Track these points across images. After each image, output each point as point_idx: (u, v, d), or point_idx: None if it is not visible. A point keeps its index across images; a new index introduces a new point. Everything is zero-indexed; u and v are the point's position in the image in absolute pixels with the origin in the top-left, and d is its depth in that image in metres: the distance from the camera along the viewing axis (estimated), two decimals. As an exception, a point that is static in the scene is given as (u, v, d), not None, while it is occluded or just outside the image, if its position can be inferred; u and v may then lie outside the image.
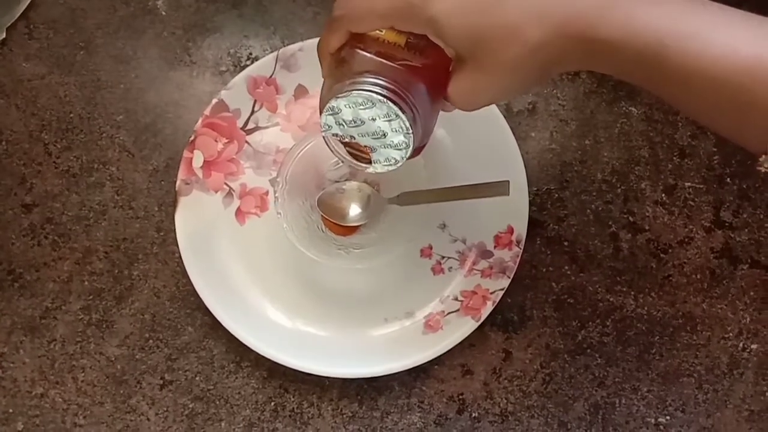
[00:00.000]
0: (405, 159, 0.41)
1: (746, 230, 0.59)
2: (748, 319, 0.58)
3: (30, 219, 0.60)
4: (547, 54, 0.36)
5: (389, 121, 0.39)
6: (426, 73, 0.40)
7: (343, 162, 0.44)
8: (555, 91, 0.60)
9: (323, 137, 0.42)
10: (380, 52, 0.40)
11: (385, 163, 0.42)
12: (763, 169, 0.35)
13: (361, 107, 0.39)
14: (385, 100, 0.38)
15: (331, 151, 0.43)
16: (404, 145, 0.40)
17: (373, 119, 0.39)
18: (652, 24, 0.34)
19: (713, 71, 0.34)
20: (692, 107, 0.37)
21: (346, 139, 0.41)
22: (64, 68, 0.61)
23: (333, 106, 0.39)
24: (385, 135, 0.40)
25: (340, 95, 0.39)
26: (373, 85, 0.39)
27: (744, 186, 0.59)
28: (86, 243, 0.59)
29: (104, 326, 0.59)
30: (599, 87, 0.60)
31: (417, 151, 0.43)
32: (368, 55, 0.40)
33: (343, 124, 0.40)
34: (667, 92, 0.37)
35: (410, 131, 0.39)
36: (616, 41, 0.35)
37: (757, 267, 0.59)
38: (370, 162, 0.42)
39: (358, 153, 0.43)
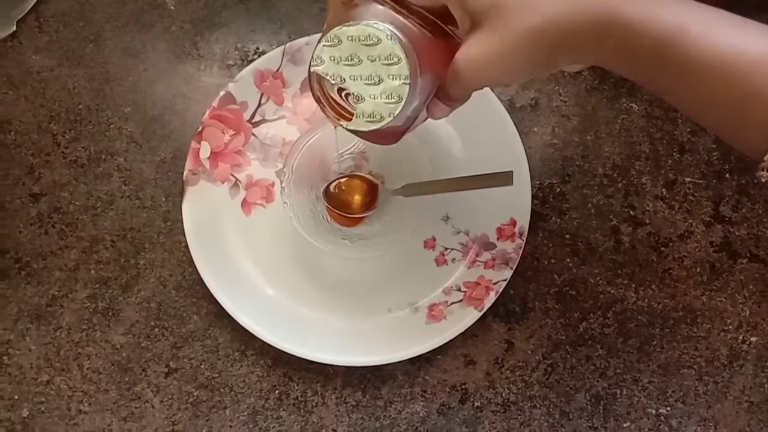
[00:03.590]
0: (392, 117, 0.38)
1: (745, 225, 0.60)
2: (748, 312, 0.59)
3: (38, 208, 0.60)
4: (562, 30, 0.36)
5: (389, 64, 0.37)
6: (432, 45, 0.39)
7: (321, 110, 0.41)
8: (557, 87, 0.61)
9: (309, 72, 0.39)
10: (395, 8, 0.39)
11: (369, 119, 0.39)
12: (764, 177, 0.36)
13: (365, 42, 0.37)
14: (394, 39, 0.37)
15: (311, 88, 0.40)
16: (397, 97, 0.38)
17: (373, 60, 0.37)
18: (673, 11, 0.35)
19: (724, 59, 0.35)
20: (696, 99, 0.37)
21: (334, 81, 0.39)
22: (73, 61, 0.62)
23: (334, 35, 0.37)
24: (379, 81, 0.38)
25: (347, 24, 0.37)
26: (384, 23, 0.37)
27: (743, 182, 0.60)
28: (93, 232, 0.60)
29: (110, 314, 0.59)
30: (600, 84, 0.61)
31: (395, 135, 0.41)
32: (381, 7, 0.39)
33: (338, 60, 0.38)
34: (673, 82, 0.37)
35: (408, 81, 0.37)
36: (637, 23, 0.35)
37: (756, 261, 0.59)
38: (349, 118, 0.39)
39: (339, 106, 0.40)
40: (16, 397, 0.58)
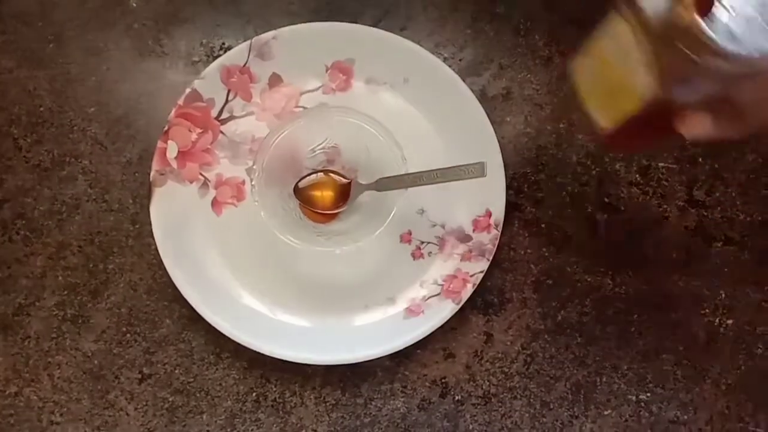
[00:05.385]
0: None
1: (719, 208, 0.60)
2: (723, 295, 0.59)
3: (1, 215, 0.58)
4: None
5: None
6: None
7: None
8: (529, 75, 0.61)
9: None
10: None
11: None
12: None
13: None
14: None
15: None
16: None
17: None
18: None
19: None
20: None
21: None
22: (33, 61, 0.60)
23: None
24: None
25: None
26: None
27: (716, 165, 0.60)
28: (59, 237, 0.58)
29: (80, 321, 0.58)
30: (572, 71, 0.61)
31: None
32: None
33: None
34: None
35: None
36: None
37: (731, 244, 0.60)
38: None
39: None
40: (-15, 410, 0.57)
